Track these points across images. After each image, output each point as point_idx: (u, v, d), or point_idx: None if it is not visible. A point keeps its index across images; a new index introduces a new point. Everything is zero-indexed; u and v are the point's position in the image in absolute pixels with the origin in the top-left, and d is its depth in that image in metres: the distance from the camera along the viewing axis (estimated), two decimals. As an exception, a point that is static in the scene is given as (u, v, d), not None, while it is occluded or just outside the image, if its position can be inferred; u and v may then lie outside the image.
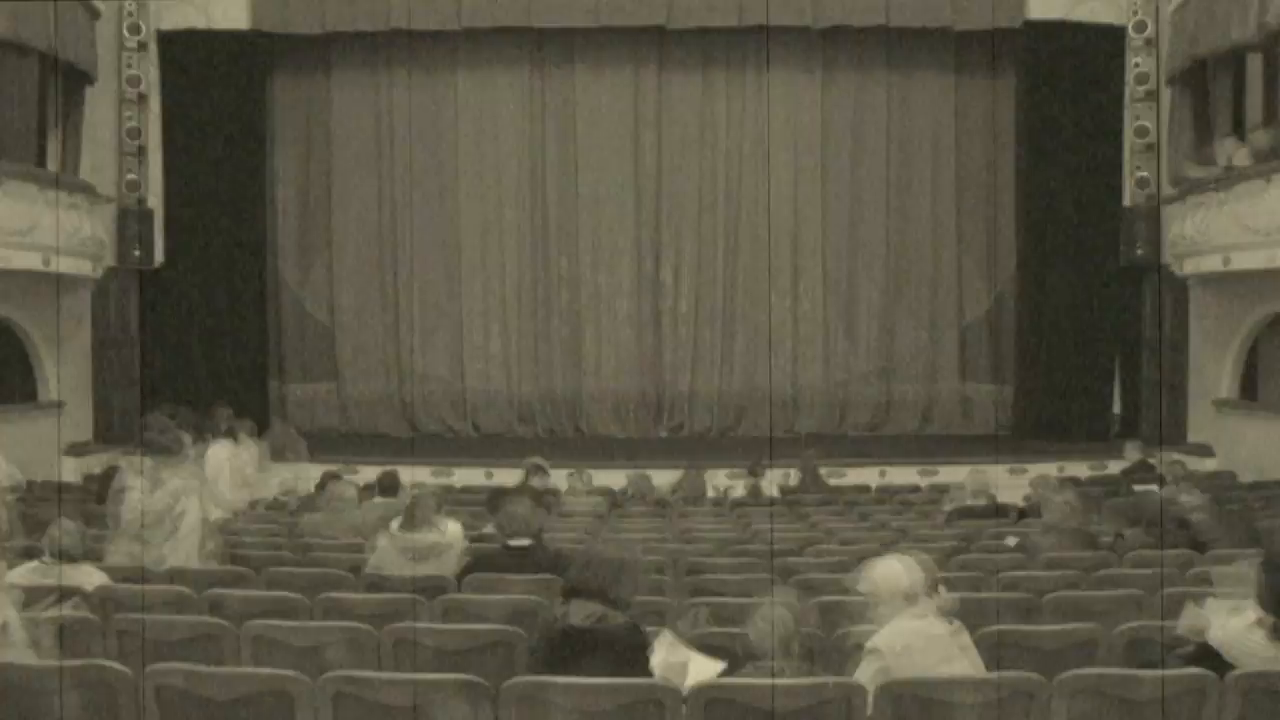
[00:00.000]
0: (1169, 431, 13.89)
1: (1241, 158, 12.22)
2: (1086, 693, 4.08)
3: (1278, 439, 11.97)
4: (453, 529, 7.14)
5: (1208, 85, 12.99)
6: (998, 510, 9.21)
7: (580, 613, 4.27)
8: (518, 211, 16.23)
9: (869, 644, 4.21)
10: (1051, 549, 6.96)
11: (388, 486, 8.67)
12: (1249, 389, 13.52)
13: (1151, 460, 12.02)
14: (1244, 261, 12.03)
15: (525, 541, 6.14)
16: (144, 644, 4.70)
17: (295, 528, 8.22)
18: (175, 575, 6.15)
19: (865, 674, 4.15)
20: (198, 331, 15.02)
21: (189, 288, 14.95)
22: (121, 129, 14.51)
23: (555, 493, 10.41)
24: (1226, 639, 4.15)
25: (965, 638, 4.26)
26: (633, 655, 4.28)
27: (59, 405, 13.37)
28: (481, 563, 6.23)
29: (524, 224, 16.25)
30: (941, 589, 4.28)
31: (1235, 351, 13.40)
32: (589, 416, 16.23)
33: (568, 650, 4.23)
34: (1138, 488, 10.22)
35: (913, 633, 4.15)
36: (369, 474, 10.13)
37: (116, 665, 3.96)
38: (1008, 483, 11.82)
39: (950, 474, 12.35)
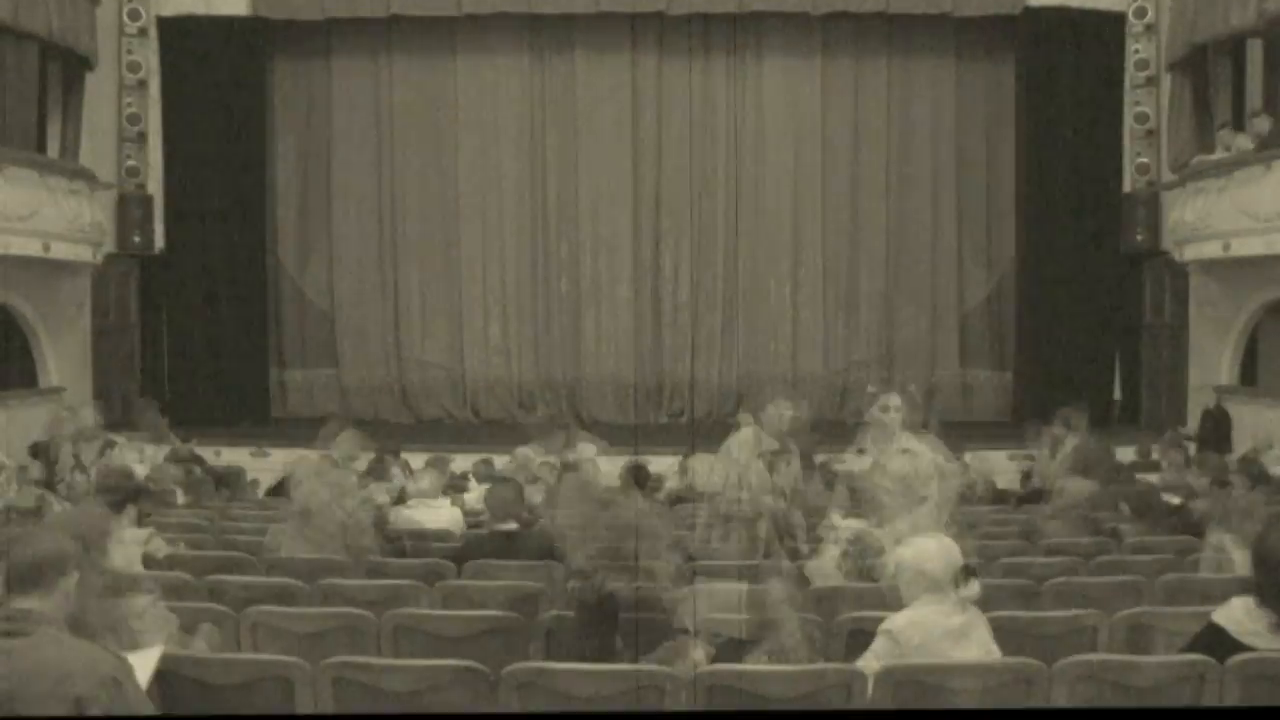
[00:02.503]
0: (1168, 418, 13.88)
1: (1242, 143, 12.19)
2: (1086, 679, 4.08)
3: (1278, 425, 11.96)
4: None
5: (1208, 71, 12.97)
6: (998, 496, 9.22)
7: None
8: (517, 197, 16.19)
9: (884, 625, 4.22)
10: (1056, 534, 6.98)
11: (378, 471, 8.69)
12: (1249, 375, 13.52)
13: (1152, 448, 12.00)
14: (1244, 247, 12.01)
15: (512, 526, 6.16)
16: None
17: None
18: (174, 561, 6.15)
19: (875, 653, 4.17)
20: (197, 317, 15.03)
21: (189, 274, 14.95)
22: (121, 115, 14.52)
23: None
24: (1229, 621, 4.12)
25: (981, 625, 4.25)
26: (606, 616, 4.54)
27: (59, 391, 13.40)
28: (473, 548, 6.23)
29: (524, 210, 16.21)
30: (974, 582, 4.24)
31: (1235, 337, 13.38)
32: (589, 402, 16.21)
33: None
34: (1140, 476, 10.19)
35: (928, 623, 4.14)
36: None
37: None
38: (1007, 468, 11.88)
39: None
